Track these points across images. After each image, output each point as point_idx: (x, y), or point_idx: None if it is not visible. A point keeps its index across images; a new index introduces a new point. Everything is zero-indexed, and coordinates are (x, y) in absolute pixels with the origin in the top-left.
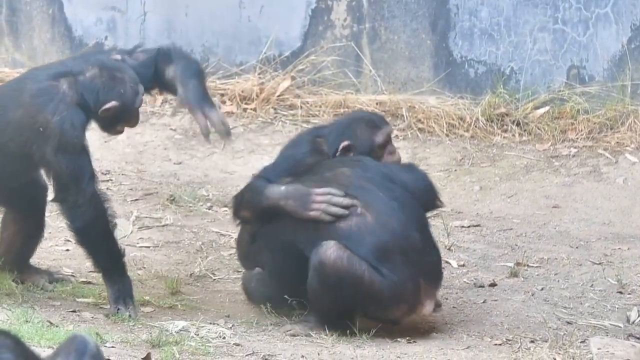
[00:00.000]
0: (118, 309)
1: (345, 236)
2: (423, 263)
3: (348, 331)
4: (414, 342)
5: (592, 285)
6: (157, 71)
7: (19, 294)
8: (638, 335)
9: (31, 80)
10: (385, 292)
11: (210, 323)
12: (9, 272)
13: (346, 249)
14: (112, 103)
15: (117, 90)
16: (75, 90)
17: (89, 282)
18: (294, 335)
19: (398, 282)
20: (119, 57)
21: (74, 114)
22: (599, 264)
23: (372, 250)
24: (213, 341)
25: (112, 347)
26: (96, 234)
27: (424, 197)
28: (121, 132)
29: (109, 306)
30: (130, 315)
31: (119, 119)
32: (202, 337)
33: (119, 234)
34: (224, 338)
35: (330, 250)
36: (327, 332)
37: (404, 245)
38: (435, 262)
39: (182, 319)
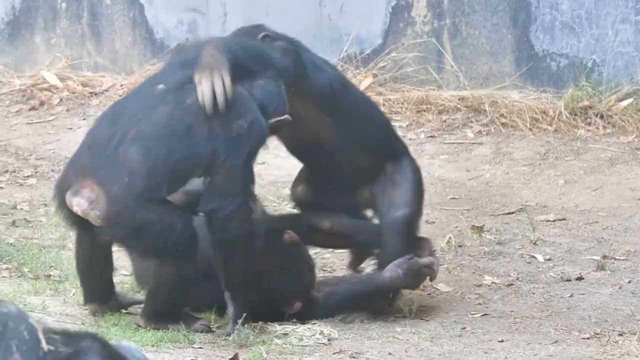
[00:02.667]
0: (237, 328)
1: None
2: None
3: (434, 328)
4: (502, 340)
5: None
6: None
7: None
8: None
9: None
10: None
11: (296, 322)
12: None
13: None
14: (286, 116)
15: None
16: (253, 96)
17: None
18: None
19: None
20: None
21: (262, 119)
22: None
23: None
24: (301, 340)
25: (200, 347)
26: (242, 247)
27: None
28: None
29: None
30: (248, 335)
31: (276, 132)
32: (289, 336)
33: None
34: (311, 337)
35: None
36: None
37: None
38: None
39: (268, 318)
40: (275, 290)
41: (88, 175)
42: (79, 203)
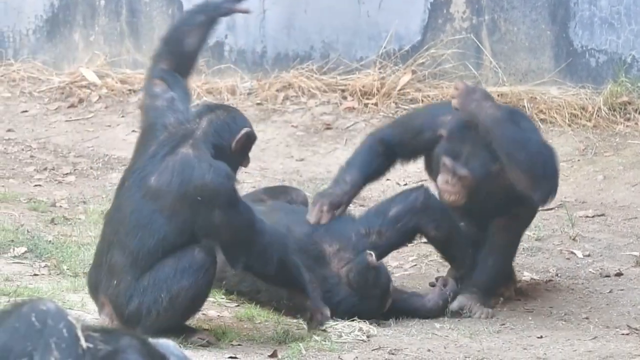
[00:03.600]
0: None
1: None
2: None
3: (473, 325)
4: (541, 335)
5: None
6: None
7: None
8: None
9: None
10: None
11: (334, 319)
12: None
13: None
14: (245, 129)
15: (240, 119)
16: (200, 149)
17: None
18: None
19: None
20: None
21: (220, 167)
22: None
23: None
24: (340, 337)
25: (239, 344)
26: (289, 264)
27: None
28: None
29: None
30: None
31: (247, 150)
32: (328, 332)
33: None
34: (350, 334)
35: None
36: None
37: None
38: None
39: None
40: (340, 307)
41: (100, 292)
42: (104, 320)
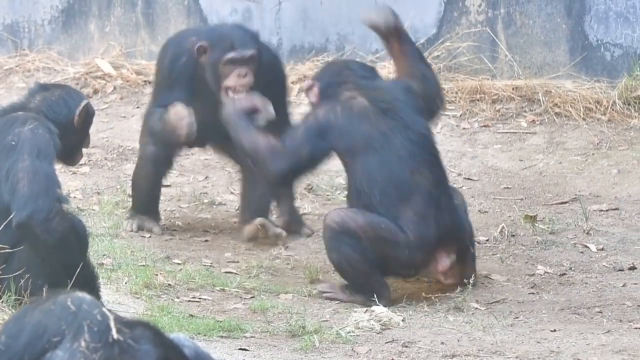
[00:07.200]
0: None
1: None
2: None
3: (486, 318)
4: (554, 329)
5: None
6: None
7: (158, 286)
8: None
9: None
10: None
11: (348, 310)
12: None
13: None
14: (84, 101)
15: (75, 94)
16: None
17: (229, 272)
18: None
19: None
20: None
21: (41, 126)
22: None
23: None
24: (354, 329)
25: (252, 336)
26: (72, 240)
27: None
28: (81, 157)
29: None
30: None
31: (88, 126)
32: (342, 325)
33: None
34: (364, 326)
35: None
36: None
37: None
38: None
39: (321, 307)
40: None
41: None
42: None
